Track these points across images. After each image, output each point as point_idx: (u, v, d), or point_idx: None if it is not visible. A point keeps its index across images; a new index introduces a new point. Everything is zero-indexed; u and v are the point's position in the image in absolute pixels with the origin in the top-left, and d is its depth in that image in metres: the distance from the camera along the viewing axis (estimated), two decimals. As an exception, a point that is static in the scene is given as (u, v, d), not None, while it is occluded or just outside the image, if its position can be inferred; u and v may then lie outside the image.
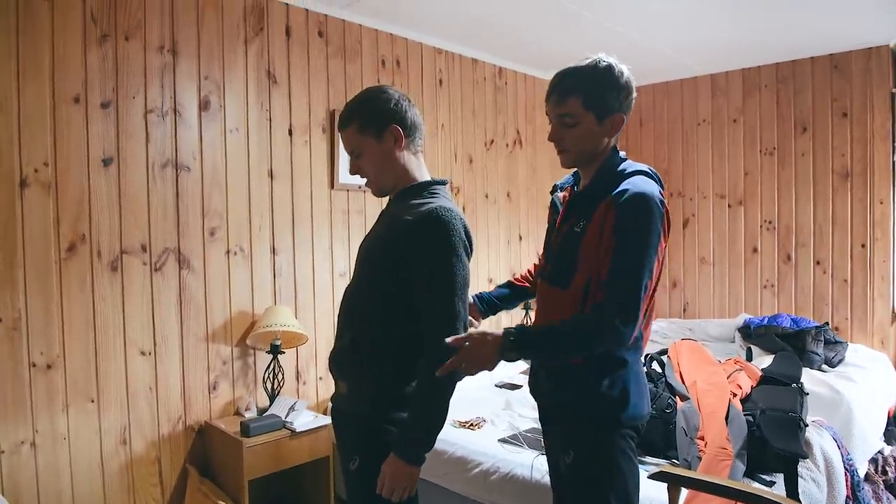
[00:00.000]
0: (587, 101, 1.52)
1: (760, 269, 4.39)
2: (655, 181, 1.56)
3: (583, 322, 1.47)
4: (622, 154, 1.62)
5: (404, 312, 1.58)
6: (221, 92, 2.88)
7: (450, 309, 1.52)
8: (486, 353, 1.43)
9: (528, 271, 1.97)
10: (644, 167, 1.58)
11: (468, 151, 4.08)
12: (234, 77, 2.93)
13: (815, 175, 4.15)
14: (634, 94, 1.58)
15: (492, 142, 4.19)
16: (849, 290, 4.03)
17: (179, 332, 2.76)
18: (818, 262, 4.15)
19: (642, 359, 2.92)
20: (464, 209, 4.05)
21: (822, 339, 3.54)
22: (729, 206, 4.53)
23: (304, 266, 3.22)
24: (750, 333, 3.78)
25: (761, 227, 4.38)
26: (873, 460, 3.10)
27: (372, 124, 1.62)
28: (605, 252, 1.46)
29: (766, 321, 3.85)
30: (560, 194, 1.75)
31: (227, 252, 2.91)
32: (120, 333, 2.59)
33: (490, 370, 1.45)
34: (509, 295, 1.94)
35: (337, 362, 1.72)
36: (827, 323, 3.88)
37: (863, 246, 3.97)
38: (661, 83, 4.84)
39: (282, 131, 3.11)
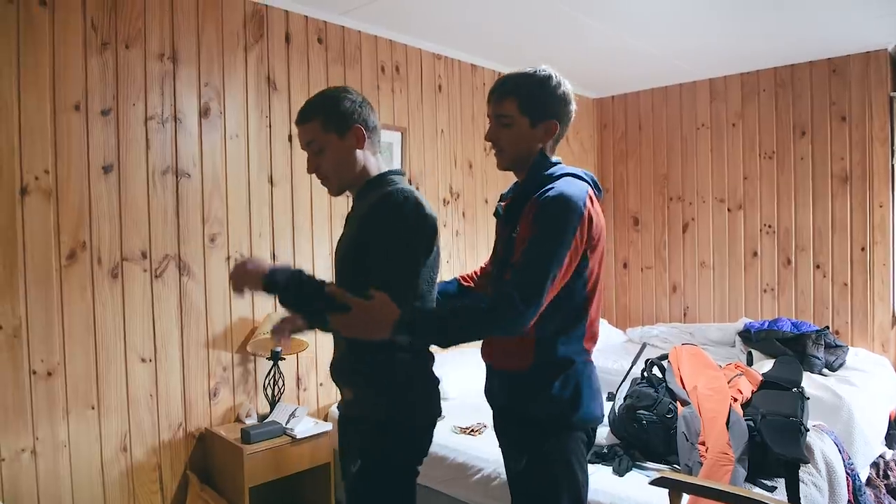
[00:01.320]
0: (522, 103, 1.59)
1: (760, 273, 4.39)
2: (589, 183, 1.60)
3: (483, 299, 1.48)
4: (555, 159, 1.65)
5: None
6: (221, 99, 2.89)
7: (405, 285, 1.52)
8: (382, 320, 1.40)
9: (475, 272, 1.96)
10: (576, 170, 1.61)
11: (468, 157, 4.08)
12: (234, 84, 2.94)
13: (814, 179, 4.16)
14: (573, 107, 1.65)
15: (491, 147, 4.19)
16: (849, 293, 4.03)
17: (180, 339, 2.76)
18: (818, 266, 4.15)
19: (629, 371, 2.91)
20: (463, 214, 4.05)
21: (823, 342, 3.54)
22: (728, 210, 4.53)
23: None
24: (750, 338, 3.78)
25: (761, 231, 4.39)
26: (874, 464, 3.10)
27: (335, 122, 1.64)
28: (520, 243, 1.52)
29: (766, 325, 3.85)
30: (502, 203, 1.77)
31: (228, 258, 2.92)
32: (120, 340, 2.59)
33: (369, 338, 1.43)
34: (454, 293, 1.90)
35: (338, 371, 1.72)
36: (827, 327, 3.88)
37: (862, 249, 3.97)
38: (659, 88, 4.85)
39: (282, 138, 3.12)
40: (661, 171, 4.87)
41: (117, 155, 2.57)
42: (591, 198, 1.55)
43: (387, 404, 1.61)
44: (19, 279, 2.32)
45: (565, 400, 1.56)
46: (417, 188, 3.68)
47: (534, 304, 1.42)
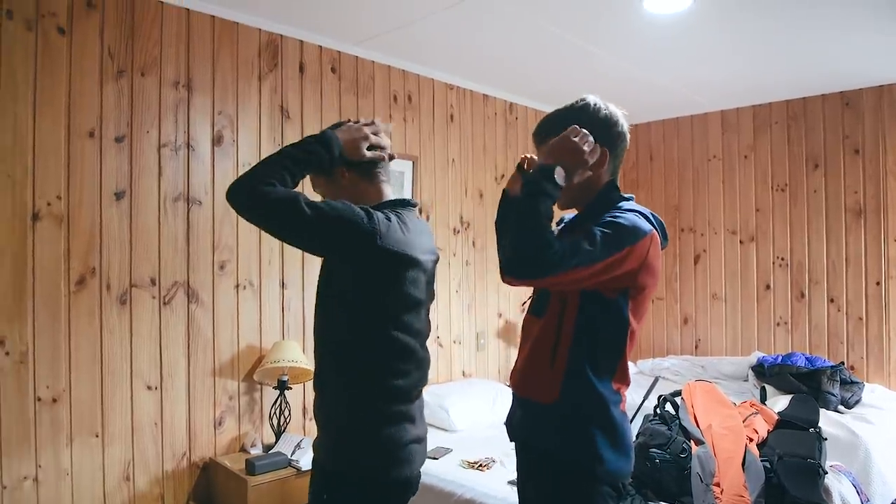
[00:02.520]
0: None
1: (773, 307, 4.34)
2: (656, 227, 1.54)
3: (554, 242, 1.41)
4: (627, 195, 1.61)
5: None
6: (235, 127, 2.91)
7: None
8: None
9: None
10: (646, 211, 1.57)
11: (478, 186, 4.08)
12: (248, 112, 2.95)
13: (827, 212, 4.13)
14: (621, 129, 1.60)
15: (502, 176, 4.20)
16: (864, 328, 3.97)
17: (186, 367, 2.74)
18: (832, 300, 4.09)
19: (641, 405, 2.86)
20: (473, 244, 4.04)
21: (838, 379, 3.48)
22: (741, 242, 4.50)
23: (313, 301, 3.18)
24: (764, 372, 3.72)
25: (774, 263, 4.34)
26: (894, 505, 3.02)
27: None
28: None
29: (780, 360, 3.79)
30: (558, 227, 1.74)
31: (237, 286, 2.90)
32: (127, 367, 2.57)
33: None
34: None
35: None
36: (842, 362, 3.81)
37: (877, 284, 3.92)
38: (671, 119, 4.85)
39: (293, 165, 3.12)
40: (672, 202, 4.85)
41: (129, 181, 2.58)
42: (654, 239, 1.50)
43: (332, 450, 1.56)
44: (28, 304, 2.32)
45: (593, 445, 1.47)
46: (427, 218, 3.69)
47: (553, 264, 1.35)
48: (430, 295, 1.69)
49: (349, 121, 1.64)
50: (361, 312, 1.55)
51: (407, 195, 3.42)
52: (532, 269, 1.39)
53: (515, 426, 1.64)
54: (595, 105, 1.58)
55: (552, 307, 1.53)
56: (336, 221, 1.44)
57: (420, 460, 1.63)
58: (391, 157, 1.68)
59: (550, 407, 1.51)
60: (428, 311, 1.69)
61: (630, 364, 4.75)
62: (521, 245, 1.40)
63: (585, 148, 1.47)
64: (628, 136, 1.63)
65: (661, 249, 1.56)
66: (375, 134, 1.62)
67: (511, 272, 1.42)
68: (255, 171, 1.47)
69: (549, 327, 1.53)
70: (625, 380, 1.55)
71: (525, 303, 1.68)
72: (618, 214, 1.47)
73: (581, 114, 1.57)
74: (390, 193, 1.69)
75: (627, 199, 1.59)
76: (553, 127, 1.56)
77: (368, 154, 1.59)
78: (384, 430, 1.54)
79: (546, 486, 1.53)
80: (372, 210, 1.50)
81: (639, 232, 1.45)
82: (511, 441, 1.68)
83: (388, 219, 1.51)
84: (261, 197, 1.42)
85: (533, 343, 1.57)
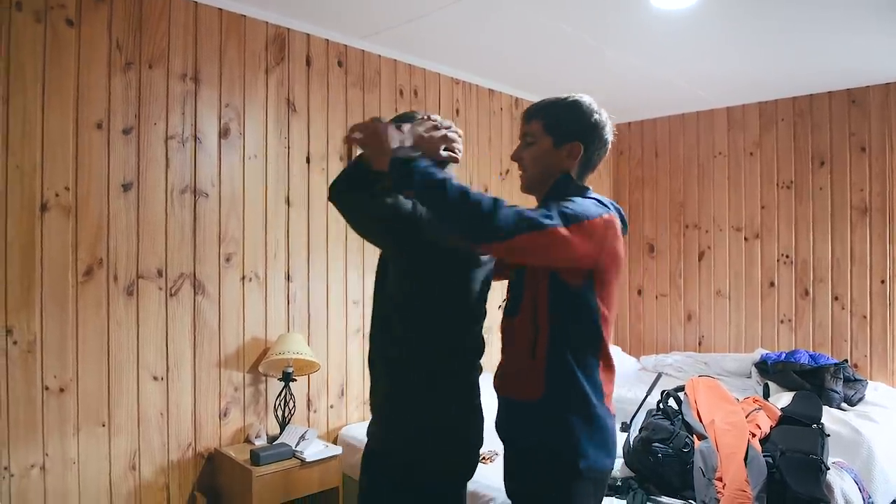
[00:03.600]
0: (547, 124, 1.61)
1: (777, 304, 4.34)
2: (613, 211, 1.57)
3: (479, 196, 1.42)
4: (585, 185, 1.64)
5: None
6: (241, 119, 2.92)
7: None
8: (382, 138, 1.52)
9: None
10: (605, 199, 1.59)
11: (483, 181, 4.08)
12: (255, 105, 2.96)
13: (832, 210, 4.12)
14: (606, 135, 1.63)
15: (507, 171, 4.20)
16: (868, 326, 3.97)
17: (192, 358, 2.76)
18: (836, 298, 4.09)
19: (644, 400, 2.86)
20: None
21: (842, 376, 3.48)
22: (745, 239, 4.49)
23: (318, 293, 3.21)
24: (767, 369, 3.72)
25: (778, 261, 4.34)
26: (895, 502, 3.02)
27: None
28: None
29: (783, 357, 3.79)
30: None
31: (242, 278, 2.92)
32: (133, 358, 2.59)
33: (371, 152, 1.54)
34: None
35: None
36: (846, 360, 3.81)
37: (882, 282, 3.92)
38: (676, 115, 4.84)
39: (300, 159, 3.14)
40: (677, 199, 4.84)
41: (137, 173, 2.59)
42: (612, 222, 1.52)
43: (383, 433, 1.64)
44: (36, 294, 2.34)
45: (575, 438, 1.49)
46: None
47: (501, 229, 1.37)
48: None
49: (424, 115, 1.67)
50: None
51: None
52: (495, 230, 1.39)
53: (501, 425, 1.65)
54: (587, 106, 1.62)
55: (525, 304, 1.55)
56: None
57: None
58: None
59: (537, 403, 1.53)
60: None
61: (633, 360, 4.80)
62: (469, 213, 1.41)
63: (391, 135, 1.52)
64: (608, 145, 1.66)
65: (624, 235, 1.60)
66: (449, 136, 1.66)
67: (483, 236, 1.41)
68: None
69: (525, 324, 1.55)
70: (610, 367, 1.58)
71: (500, 306, 1.69)
72: (571, 199, 1.51)
73: (570, 108, 1.62)
74: None
75: (583, 188, 1.62)
76: (541, 109, 1.63)
77: (444, 154, 1.63)
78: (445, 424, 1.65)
79: (530, 480, 1.55)
80: (419, 204, 1.57)
81: (592, 210, 1.48)
82: (501, 440, 1.68)
83: None
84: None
85: (513, 342, 1.59)
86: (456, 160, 1.68)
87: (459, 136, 1.68)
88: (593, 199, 1.56)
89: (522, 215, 1.40)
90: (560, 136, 1.60)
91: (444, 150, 1.63)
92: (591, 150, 1.62)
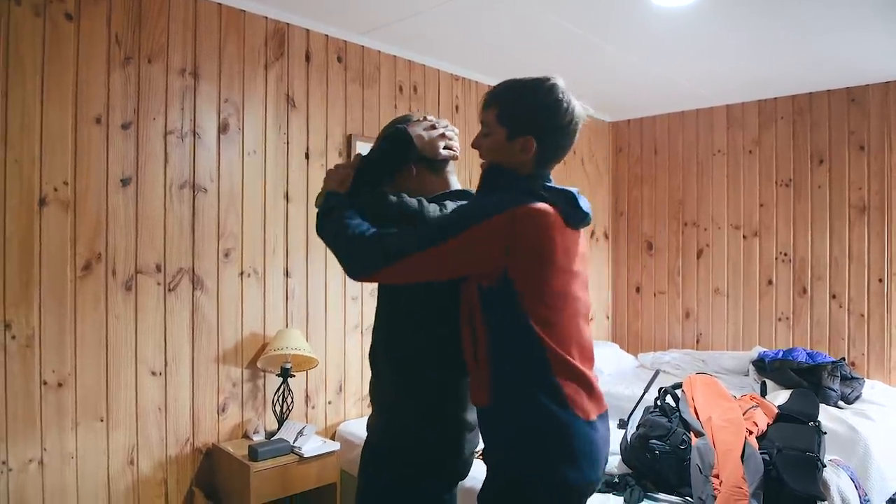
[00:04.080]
0: (501, 113, 1.48)
1: (775, 302, 4.34)
2: (553, 202, 1.43)
3: (362, 229, 1.45)
4: (519, 175, 1.49)
5: None
6: (240, 115, 2.91)
7: None
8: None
9: None
10: (546, 188, 1.45)
11: (482, 177, 4.08)
12: (254, 100, 2.96)
13: (831, 208, 4.12)
14: (567, 125, 1.47)
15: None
16: (866, 325, 3.98)
17: (191, 353, 2.76)
18: (834, 296, 4.10)
19: (642, 398, 2.85)
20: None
21: (839, 374, 3.48)
22: (744, 237, 4.50)
23: (317, 289, 3.21)
24: (764, 367, 3.72)
25: (776, 259, 4.34)
26: (891, 500, 3.02)
27: None
28: None
29: (781, 355, 3.80)
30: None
31: (241, 274, 2.92)
32: (132, 353, 2.59)
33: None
34: None
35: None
36: (843, 358, 3.82)
37: (880, 281, 3.92)
38: (676, 112, 4.84)
39: (299, 155, 3.13)
40: (676, 196, 4.85)
41: (136, 168, 2.59)
42: (520, 216, 1.38)
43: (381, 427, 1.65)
44: (34, 289, 2.33)
45: (523, 449, 1.39)
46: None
47: (367, 267, 1.43)
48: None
49: (420, 117, 1.69)
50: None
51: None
52: (361, 266, 1.44)
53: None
54: (546, 90, 1.45)
55: (463, 309, 1.49)
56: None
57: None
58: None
59: (486, 410, 1.46)
60: None
61: (631, 357, 4.80)
62: (342, 248, 1.47)
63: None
64: (572, 136, 1.50)
65: (574, 227, 1.47)
66: (447, 134, 1.68)
67: (351, 273, 1.47)
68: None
69: (466, 328, 1.48)
70: (571, 369, 1.42)
71: None
72: (471, 201, 1.48)
73: (525, 94, 1.47)
74: (456, 183, 1.73)
75: (519, 179, 1.48)
76: (496, 95, 1.51)
77: (444, 153, 1.65)
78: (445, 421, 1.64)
79: (484, 490, 1.49)
80: (425, 202, 1.56)
81: (488, 210, 1.38)
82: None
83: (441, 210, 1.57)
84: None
85: (465, 348, 1.52)
86: (454, 157, 1.70)
87: (455, 134, 1.69)
88: (520, 192, 1.43)
89: (389, 247, 1.40)
90: (513, 128, 1.46)
91: (444, 148, 1.65)
92: (548, 144, 1.47)
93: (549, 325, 1.41)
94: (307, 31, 3.15)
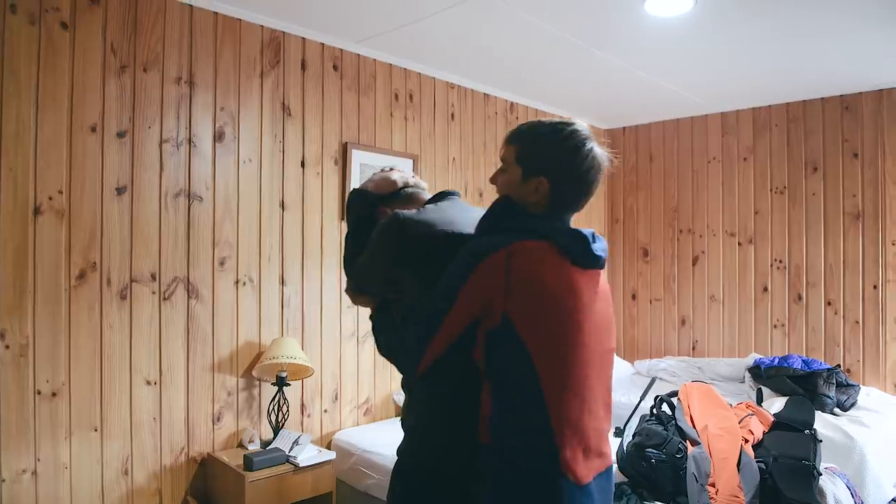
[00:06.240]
0: (519, 152, 1.44)
1: (771, 309, 4.35)
2: (559, 243, 1.37)
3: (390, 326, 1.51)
4: (526, 213, 1.43)
5: None
6: (236, 123, 2.91)
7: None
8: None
9: None
10: (552, 228, 1.40)
11: (478, 185, 4.09)
12: (249, 108, 2.96)
13: (825, 215, 4.14)
14: (585, 174, 1.42)
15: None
16: (861, 332, 3.99)
17: (185, 362, 2.75)
18: (829, 303, 4.11)
19: (638, 405, 2.84)
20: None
21: (834, 381, 3.49)
22: (739, 244, 4.51)
23: (313, 298, 3.21)
24: (760, 374, 3.73)
25: (771, 266, 4.36)
26: (887, 508, 3.03)
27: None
28: None
29: (776, 362, 3.80)
30: None
31: (236, 282, 2.91)
32: (126, 362, 2.58)
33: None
34: None
35: None
36: (839, 365, 3.83)
37: (874, 287, 3.94)
38: (671, 120, 4.86)
39: (294, 163, 3.13)
40: (671, 204, 4.86)
41: (131, 177, 2.58)
42: (524, 248, 1.34)
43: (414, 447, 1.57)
44: (28, 298, 2.32)
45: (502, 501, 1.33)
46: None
47: (411, 369, 1.44)
48: None
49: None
50: None
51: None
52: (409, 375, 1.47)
53: None
54: (566, 135, 1.42)
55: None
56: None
57: None
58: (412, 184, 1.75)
59: (483, 447, 1.38)
60: None
61: (627, 364, 4.80)
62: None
63: None
64: (589, 184, 1.44)
65: (586, 268, 1.40)
66: (391, 170, 1.74)
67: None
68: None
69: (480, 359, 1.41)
70: (569, 427, 1.33)
71: None
72: (465, 246, 1.39)
73: (544, 136, 1.43)
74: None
75: (524, 217, 1.42)
76: (517, 134, 1.47)
77: (399, 181, 1.69)
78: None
79: None
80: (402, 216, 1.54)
81: (477, 255, 1.34)
82: None
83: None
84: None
85: None
86: (409, 182, 1.73)
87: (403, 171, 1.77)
88: (517, 230, 1.38)
89: (410, 348, 1.41)
90: (529, 168, 1.42)
91: (398, 178, 1.71)
92: (562, 188, 1.41)
93: (551, 372, 1.33)
94: (303, 39, 3.16)
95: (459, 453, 1.44)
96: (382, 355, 1.53)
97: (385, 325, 1.55)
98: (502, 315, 1.32)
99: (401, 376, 1.61)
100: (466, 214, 1.59)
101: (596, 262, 1.42)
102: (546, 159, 1.42)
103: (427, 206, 1.60)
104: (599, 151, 1.45)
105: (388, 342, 1.50)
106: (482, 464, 1.37)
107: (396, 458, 1.61)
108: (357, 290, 1.67)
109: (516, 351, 1.33)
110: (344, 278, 3.16)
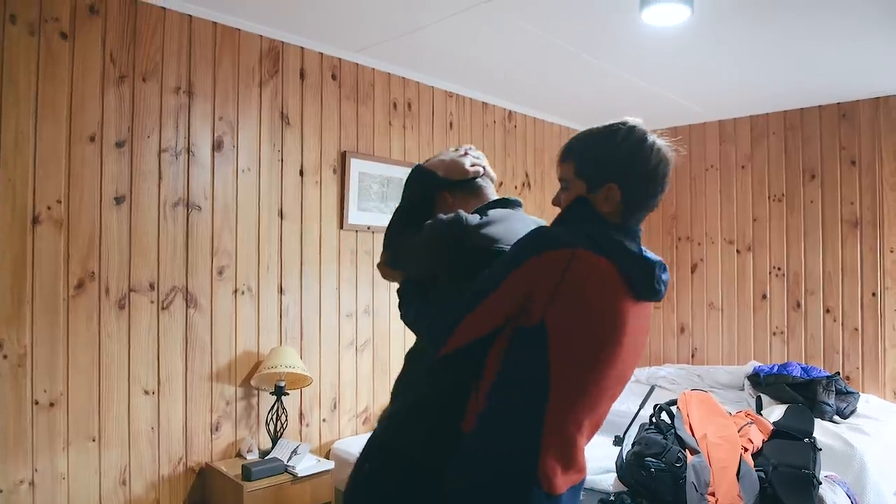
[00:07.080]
0: (578, 165, 1.37)
1: (770, 316, 4.35)
2: (617, 261, 1.29)
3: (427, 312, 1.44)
4: (616, 227, 1.34)
5: None
6: (235, 132, 2.92)
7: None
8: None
9: None
10: (622, 244, 1.31)
11: (477, 193, 4.09)
12: (248, 118, 2.97)
13: (824, 222, 4.15)
14: (652, 168, 1.34)
15: (500, 184, 4.21)
16: (860, 339, 3.99)
17: (184, 372, 2.74)
18: (828, 310, 4.11)
19: (637, 414, 2.85)
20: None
21: (834, 389, 3.49)
22: (738, 251, 4.51)
23: (311, 306, 3.21)
24: (760, 382, 3.73)
25: (770, 273, 4.36)
26: (888, 517, 3.02)
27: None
28: None
29: (776, 369, 3.80)
30: None
31: (235, 291, 2.91)
32: (124, 372, 2.57)
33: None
34: None
35: None
36: (838, 373, 3.82)
37: (873, 295, 3.94)
38: (668, 128, 4.87)
39: (293, 172, 3.14)
40: (669, 211, 4.87)
41: (130, 186, 2.59)
42: (589, 260, 1.25)
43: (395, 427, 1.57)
44: (26, 308, 2.32)
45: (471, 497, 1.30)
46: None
47: (438, 339, 1.35)
48: None
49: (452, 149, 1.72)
50: None
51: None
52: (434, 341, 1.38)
53: None
54: (626, 135, 1.36)
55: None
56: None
57: None
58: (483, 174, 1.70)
59: (465, 435, 1.35)
60: None
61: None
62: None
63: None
64: (662, 178, 1.35)
65: (636, 298, 1.31)
66: (470, 153, 1.68)
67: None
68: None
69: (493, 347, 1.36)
70: (560, 438, 1.30)
71: None
72: (528, 233, 1.34)
73: (600, 142, 1.37)
74: (495, 195, 1.72)
75: (602, 225, 1.33)
76: (571, 148, 1.41)
77: (472, 170, 1.64)
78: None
79: None
80: (462, 213, 1.50)
81: (531, 244, 1.28)
82: None
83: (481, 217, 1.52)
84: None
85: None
86: (483, 174, 1.69)
87: (482, 155, 1.71)
88: (587, 234, 1.30)
89: (445, 317, 1.37)
90: (593, 179, 1.34)
91: (471, 166, 1.65)
92: (634, 192, 1.33)
93: (564, 395, 1.29)
94: (301, 48, 3.17)
95: (443, 449, 1.42)
96: (406, 323, 1.48)
97: (414, 294, 1.50)
98: (541, 319, 1.26)
99: None
100: (528, 230, 1.58)
101: (655, 296, 1.35)
102: (610, 164, 1.34)
103: (491, 212, 1.54)
104: (662, 143, 1.37)
105: (417, 311, 1.45)
106: (461, 456, 1.34)
107: (375, 428, 1.59)
108: (392, 266, 1.60)
109: (538, 361, 1.27)
110: (343, 286, 3.16)
